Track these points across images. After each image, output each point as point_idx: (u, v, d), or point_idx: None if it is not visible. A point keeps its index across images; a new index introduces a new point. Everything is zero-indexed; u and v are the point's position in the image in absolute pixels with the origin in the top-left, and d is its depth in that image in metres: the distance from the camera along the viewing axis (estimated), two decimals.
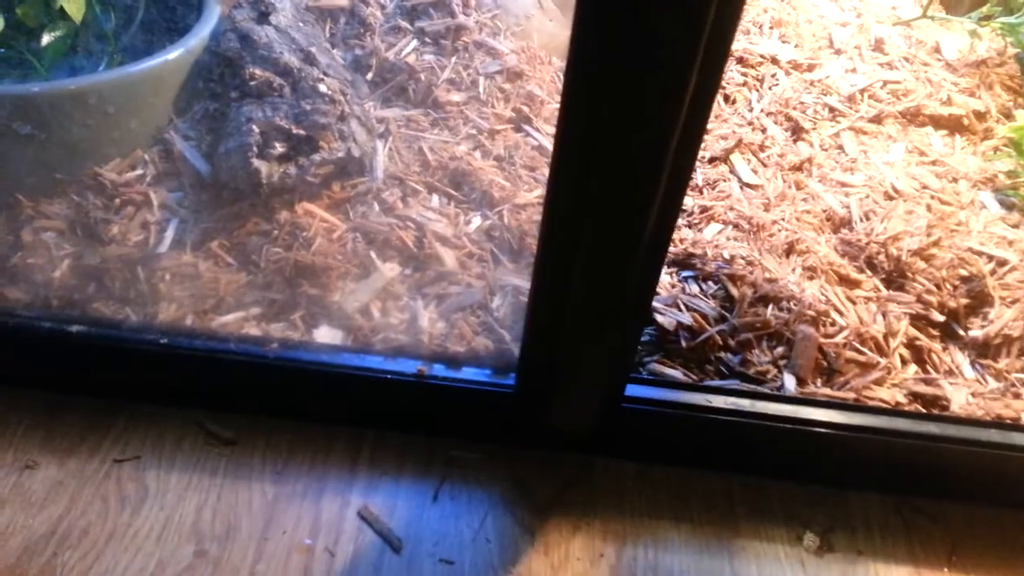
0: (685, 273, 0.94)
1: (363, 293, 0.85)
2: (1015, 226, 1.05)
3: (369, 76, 1.09)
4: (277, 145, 0.92)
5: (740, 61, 1.26)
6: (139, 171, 0.94)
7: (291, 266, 0.86)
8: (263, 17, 1.04)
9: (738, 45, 1.28)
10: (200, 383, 0.79)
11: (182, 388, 0.80)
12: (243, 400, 0.80)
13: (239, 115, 0.94)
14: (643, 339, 0.88)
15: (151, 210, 0.90)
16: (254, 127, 0.92)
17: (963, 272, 0.97)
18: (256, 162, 0.90)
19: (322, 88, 0.96)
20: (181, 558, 0.70)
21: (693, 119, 0.57)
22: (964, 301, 0.95)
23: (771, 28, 1.32)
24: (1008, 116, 1.22)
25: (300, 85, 0.97)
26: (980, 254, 1.00)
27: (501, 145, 1.05)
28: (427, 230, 0.92)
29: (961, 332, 0.93)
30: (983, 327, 0.92)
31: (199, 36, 1.00)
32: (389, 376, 0.79)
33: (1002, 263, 0.99)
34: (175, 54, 0.97)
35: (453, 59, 1.13)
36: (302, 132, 0.93)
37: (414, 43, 1.14)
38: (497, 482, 0.80)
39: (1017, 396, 0.87)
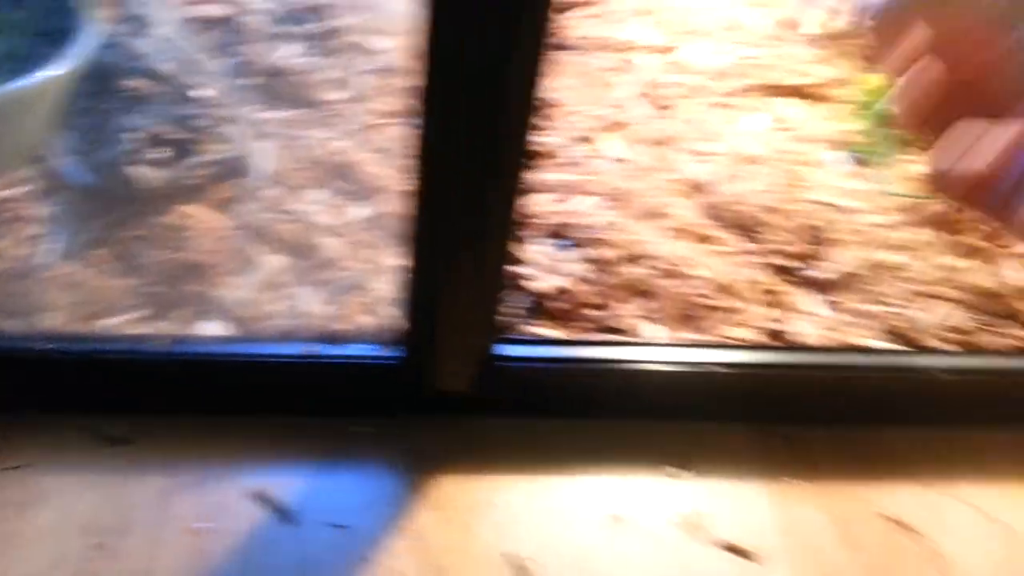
0: (558, 242, 0.97)
1: (248, 285, 0.86)
2: (862, 179, 1.10)
3: (250, 81, 1.09)
4: (156, 151, 0.92)
5: (606, 46, 1.30)
6: (19, 188, 0.93)
7: (176, 266, 0.86)
8: (142, 29, 1.03)
9: (605, 31, 1.32)
10: (88, 386, 0.79)
11: (69, 393, 0.79)
12: (134, 400, 0.80)
13: (118, 125, 0.94)
14: (521, 305, 0.90)
15: (33, 225, 0.89)
16: (133, 135, 0.92)
17: (813, 223, 1.02)
18: (136, 169, 0.90)
19: (201, 94, 0.96)
20: (80, 553, 0.70)
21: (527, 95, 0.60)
22: (811, 247, 1.00)
23: (634, 15, 1.36)
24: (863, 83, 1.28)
25: (179, 92, 0.97)
26: (828, 205, 1.05)
27: (381, 139, 1.06)
28: (311, 222, 0.93)
29: (811, 275, 0.98)
30: (829, 269, 0.98)
31: (79, 50, 0.98)
32: (279, 360, 0.80)
33: (847, 211, 1.04)
34: (54, 71, 0.96)
35: (332, 59, 1.14)
36: (181, 137, 0.93)
37: (294, 47, 1.14)
38: (390, 451, 0.81)
39: (858, 325, 0.92)
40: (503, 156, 0.65)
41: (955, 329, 0.93)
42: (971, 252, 1.00)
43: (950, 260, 1.00)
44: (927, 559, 0.77)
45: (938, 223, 1.03)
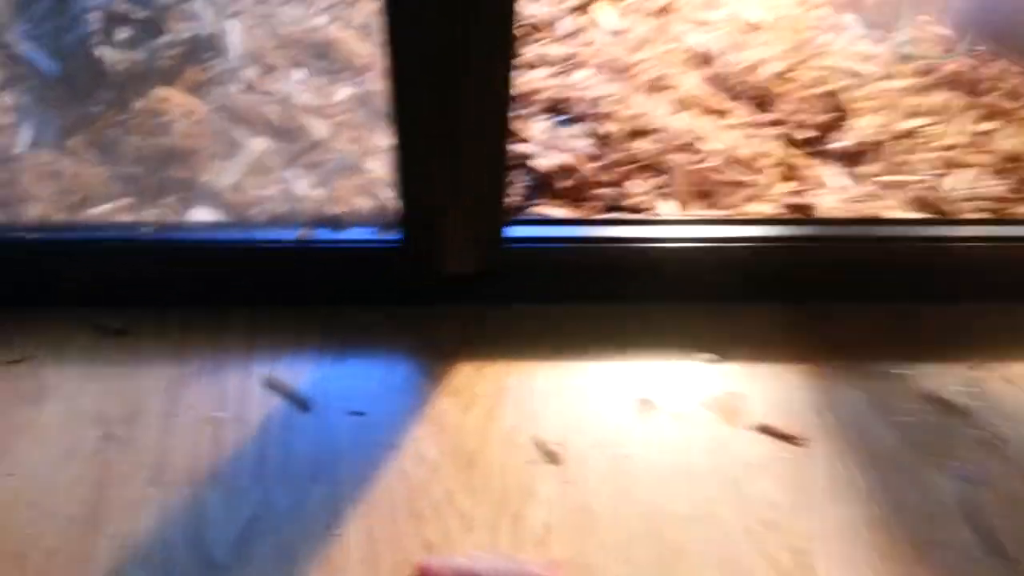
0: (558, 118, 0.99)
1: (234, 170, 0.87)
2: (876, 42, 1.13)
3: None
4: (120, 31, 0.91)
5: None
6: None
7: (157, 152, 0.86)
8: None
9: None
10: (82, 277, 0.80)
11: (65, 285, 0.81)
12: (129, 291, 0.82)
13: (77, 5, 0.93)
14: (528, 183, 0.93)
15: (2, 114, 0.89)
16: (94, 15, 0.91)
17: (828, 90, 1.05)
18: (100, 50, 0.90)
19: None
20: (88, 443, 0.73)
21: None
22: (828, 116, 1.03)
23: None
24: None
25: None
26: (843, 72, 1.08)
27: (361, 14, 1.06)
28: (293, 103, 0.94)
29: (830, 145, 1.01)
30: (849, 138, 1.01)
31: None
32: (270, 245, 0.81)
33: (860, 76, 1.07)
34: None
35: None
36: (145, 15, 0.93)
37: None
38: (400, 339, 0.84)
39: (880, 196, 0.96)
40: (489, 15, 0.65)
41: (985, 197, 0.96)
42: (995, 114, 1.04)
43: (974, 124, 1.03)
44: (971, 439, 0.79)
45: (958, 84, 1.06)
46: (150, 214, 0.82)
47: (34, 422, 0.74)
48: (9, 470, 0.71)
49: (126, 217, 0.82)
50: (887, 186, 0.97)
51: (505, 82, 0.70)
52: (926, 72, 1.06)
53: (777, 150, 1.00)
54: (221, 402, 0.77)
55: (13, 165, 0.82)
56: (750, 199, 0.95)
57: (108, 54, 0.90)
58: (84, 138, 0.86)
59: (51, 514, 0.69)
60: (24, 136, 0.86)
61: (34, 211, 0.81)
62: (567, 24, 1.13)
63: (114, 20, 0.92)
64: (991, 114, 1.03)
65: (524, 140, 0.97)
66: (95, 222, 0.80)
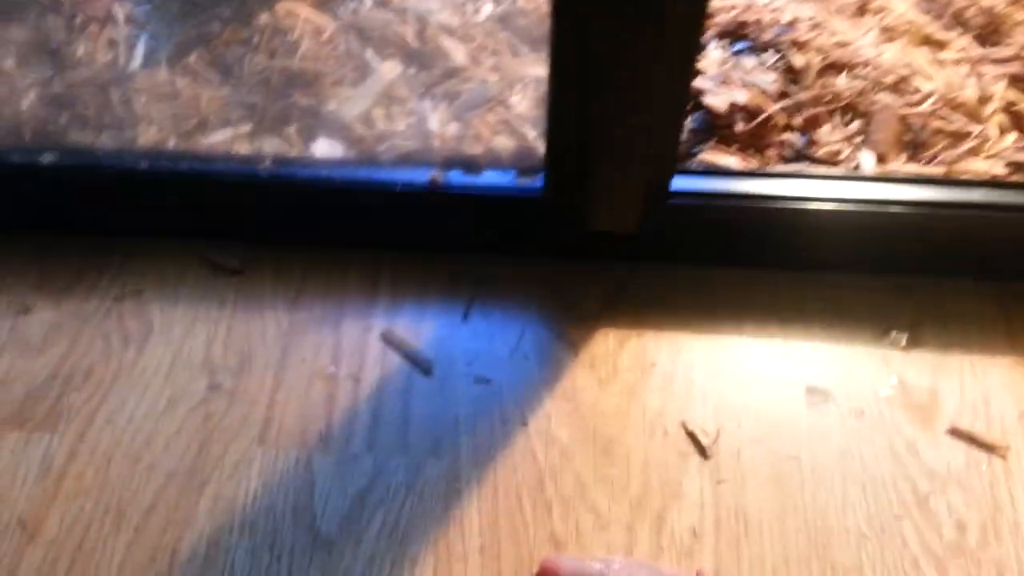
0: (738, 45, 0.88)
1: (362, 98, 0.82)
2: None
3: None
4: None
5: None
6: None
7: (279, 75, 0.82)
8: None
9: None
10: (196, 210, 0.78)
11: (178, 218, 0.79)
12: (245, 226, 0.79)
13: None
14: (693, 126, 0.83)
15: (116, 26, 0.86)
16: None
17: None
18: None
19: None
20: (194, 393, 0.71)
21: None
22: None
23: None
24: None
25: None
26: None
27: None
28: (430, 22, 0.87)
29: None
30: None
31: None
32: (400, 188, 0.76)
33: None
34: None
35: None
36: None
37: None
38: (533, 297, 0.78)
39: None
40: None
41: None
42: None
43: None
44: None
45: None
46: (270, 144, 0.78)
47: (138, 365, 0.72)
48: (109, 417, 0.70)
49: (244, 147, 0.78)
50: None
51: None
52: None
53: (1007, 94, 0.85)
54: (337, 357, 0.73)
55: (127, 84, 0.80)
56: (969, 154, 0.82)
57: None
58: (202, 56, 0.83)
59: (151, 468, 0.67)
60: (139, 53, 0.83)
61: (147, 135, 0.78)
62: None
63: None
64: None
65: (696, 72, 0.86)
66: (211, 152, 0.76)
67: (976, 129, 0.83)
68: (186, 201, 0.77)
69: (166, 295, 0.77)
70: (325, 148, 0.79)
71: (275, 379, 0.72)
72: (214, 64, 0.83)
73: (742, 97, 0.83)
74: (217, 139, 0.79)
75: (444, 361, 0.73)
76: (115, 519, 0.65)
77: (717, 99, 0.83)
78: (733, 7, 0.90)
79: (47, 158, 0.75)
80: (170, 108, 0.80)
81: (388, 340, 0.74)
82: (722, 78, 0.84)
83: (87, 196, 0.78)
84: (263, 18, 0.85)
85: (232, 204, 0.77)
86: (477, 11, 0.90)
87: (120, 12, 0.87)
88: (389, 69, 0.84)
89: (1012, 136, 0.84)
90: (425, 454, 0.68)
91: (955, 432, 0.70)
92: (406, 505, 0.65)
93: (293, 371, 0.72)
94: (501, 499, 0.66)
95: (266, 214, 0.78)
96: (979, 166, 0.81)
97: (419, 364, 0.73)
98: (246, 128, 0.80)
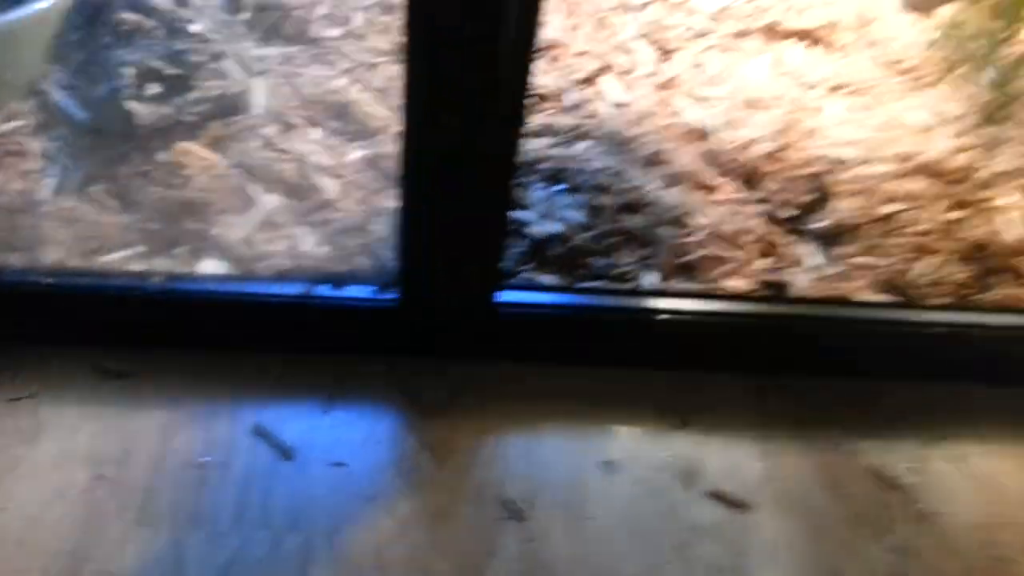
0: (556, 187, 0.97)
1: (246, 225, 0.86)
2: (858, 127, 1.09)
3: (245, 16, 1.07)
4: (151, 86, 0.91)
5: None
6: (16, 122, 0.92)
7: (174, 204, 0.85)
8: None
9: None
10: (91, 320, 0.80)
11: (74, 327, 0.80)
12: (135, 335, 0.81)
13: (112, 59, 0.92)
14: (518, 250, 0.91)
15: (31, 159, 0.88)
16: (127, 70, 0.90)
17: (810, 171, 1.02)
18: (131, 104, 0.89)
19: (194, 29, 0.95)
20: (79, 482, 0.72)
21: (520, 45, 0.59)
22: (810, 197, 1.00)
23: None
24: (863, 23, 1.26)
25: (172, 27, 0.95)
26: (829, 155, 1.04)
27: (380, 77, 1.05)
28: (307, 161, 0.93)
29: (807, 225, 0.98)
30: (825, 219, 0.98)
31: None
32: (275, 299, 0.80)
33: (844, 161, 1.04)
34: (47, 3, 0.93)
35: None
36: (176, 72, 0.92)
37: None
38: (387, 392, 0.82)
39: (853, 277, 0.93)
40: (498, 90, 0.64)
41: (949, 282, 0.93)
42: (965, 204, 1.00)
43: (945, 213, 0.99)
44: (909, 514, 0.78)
45: (933, 172, 1.02)
46: (161, 263, 0.81)
47: (28, 459, 0.73)
48: (0, 506, 0.69)
49: (138, 265, 0.81)
50: (859, 267, 0.93)
51: (511, 153, 0.68)
52: (904, 159, 1.03)
53: (759, 227, 0.96)
54: (209, 447, 0.75)
55: (36, 210, 0.82)
56: (729, 274, 0.92)
57: (137, 107, 0.89)
58: (106, 187, 0.86)
59: (38, 550, 0.67)
60: (49, 182, 0.85)
61: (52, 255, 0.79)
62: (574, 96, 1.11)
63: (147, 75, 0.91)
64: (961, 204, 0.99)
65: (523, 207, 0.94)
66: (106, 270, 0.78)
67: (736, 255, 0.93)
68: (82, 312, 0.79)
69: (58, 396, 0.77)
70: (211, 266, 0.83)
71: (154, 468, 0.73)
72: (116, 194, 0.85)
73: (557, 228, 0.91)
74: (114, 258, 0.81)
75: (305, 448, 0.76)
76: None
77: (538, 229, 0.91)
78: (556, 158, 0.99)
79: None
80: (74, 232, 0.82)
81: (256, 432, 0.77)
82: (543, 213, 0.93)
83: None
84: (161, 155, 0.89)
85: (123, 315, 0.79)
86: (348, 153, 0.96)
87: (35, 146, 0.89)
88: (270, 200, 0.89)
89: (764, 261, 0.95)
90: (285, 530, 0.71)
91: (712, 494, 0.78)
92: (265, 575, 0.67)
93: (170, 461, 0.74)
94: (346, 566, 0.68)
95: (154, 324, 0.81)
96: (738, 283, 0.91)
97: (283, 451, 0.76)
98: (141, 249, 0.83)
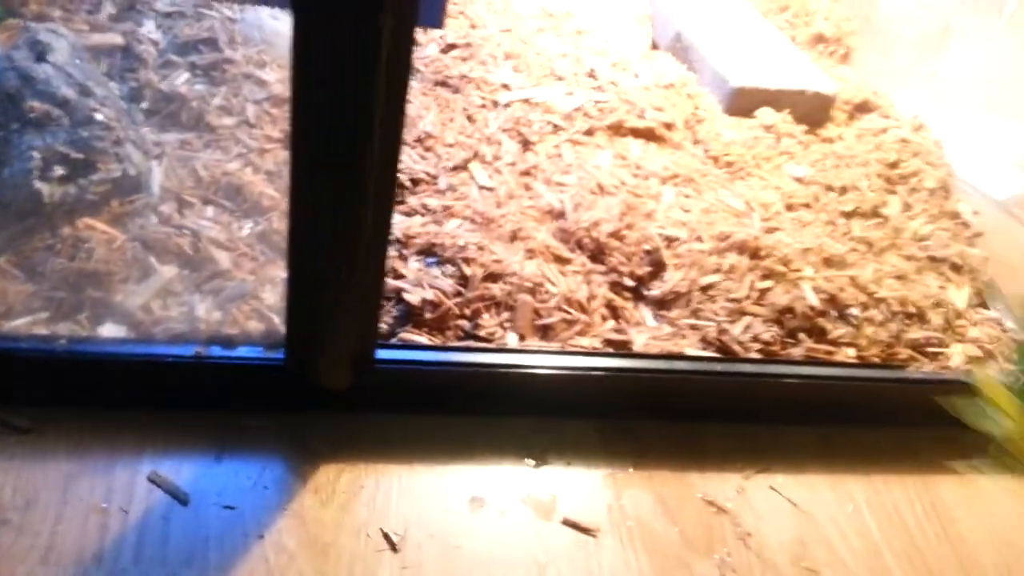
0: (429, 259, 1.11)
1: (144, 293, 0.95)
2: (686, 211, 1.30)
3: (144, 105, 1.18)
4: (57, 168, 1.00)
5: (479, 87, 1.46)
6: None
7: (75, 274, 0.94)
8: (40, 56, 1.10)
9: (477, 73, 1.48)
10: None
11: None
12: (37, 393, 0.87)
13: (21, 143, 1.01)
14: (396, 313, 1.04)
15: None
16: (35, 153, 0.99)
17: (647, 247, 1.20)
18: (38, 184, 0.98)
19: (98, 116, 1.05)
20: None
21: (388, 142, 0.73)
22: (647, 269, 1.18)
23: (505, 59, 1.53)
24: (689, 126, 1.49)
25: (77, 115, 1.05)
26: (660, 233, 1.23)
27: (271, 161, 1.17)
28: (202, 236, 1.03)
29: (645, 292, 1.16)
30: (660, 287, 1.16)
31: None
32: (171, 359, 0.89)
33: (675, 239, 1.24)
34: None
35: (223, 88, 1.24)
36: (80, 156, 1.01)
37: (186, 75, 1.24)
38: (276, 441, 0.92)
39: (683, 336, 1.11)
40: (371, 174, 0.76)
41: (761, 340, 1.12)
42: (774, 275, 1.21)
43: (758, 282, 1.20)
44: (735, 535, 0.92)
45: (746, 249, 1.23)
46: (64, 328, 0.89)
47: None
48: None
49: (42, 330, 0.88)
50: (689, 328, 1.11)
51: (385, 229, 0.81)
52: (724, 238, 1.23)
53: (605, 294, 1.13)
54: (109, 495, 0.82)
55: None
56: (579, 334, 1.07)
57: (44, 187, 0.97)
58: (12, 258, 0.93)
59: None
60: None
61: None
62: (446, 180, 1.26)
63: (53, 158, 1.00)
64: (769, 275, 1.20)
65: (400, 276, 1.08)
66: (11, 334, 0.85)
67: (585, 318, 1.09)
68: None
69: None
70: (110, 330, 0.91)
71: (56, 514, 0.80)
72: (21, 264, 0.93)
73: (430, 295, 1.05)
74: (19, 323, 0.88)
75: (199, 493, 0.85)
76: None
77: (413, 296, 1.04)
78: (430, 234, 1.13)
79: None
80: None
81: (153, 480, 0.85)
82: (417, 281, 1.06)
83: None
84: (66, 230, 0.97)
85: (26, 374, 0.86)
86: (240, 228, 1.07)
87: None
88: (167, 271, 0.98)
89: (609, 323, 1.11)
90: (181, 566, 0.78)
91: (566, 522, 0.90)
92: None
93: (72, 507, 0.80)
94: None
95: (56, 383, 0.87)
96: (584, 342, 1.07)
97: (178, 497, 0.84)
98: (45, 315, 0.90)
